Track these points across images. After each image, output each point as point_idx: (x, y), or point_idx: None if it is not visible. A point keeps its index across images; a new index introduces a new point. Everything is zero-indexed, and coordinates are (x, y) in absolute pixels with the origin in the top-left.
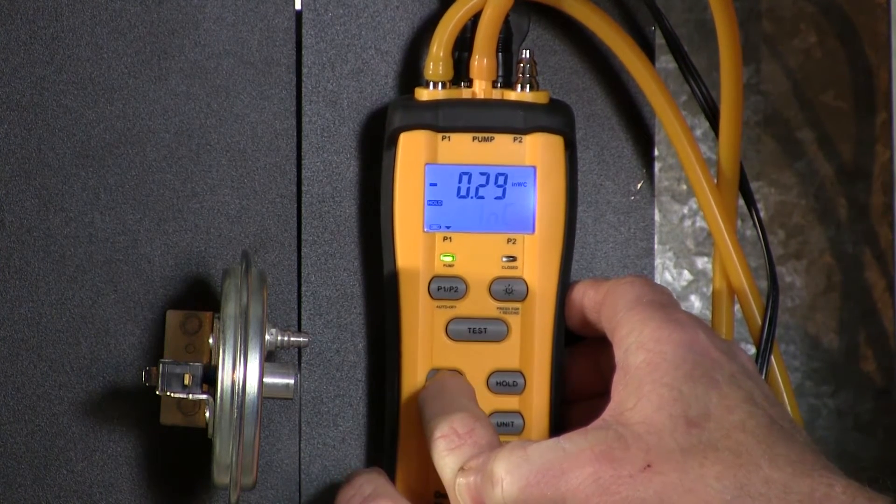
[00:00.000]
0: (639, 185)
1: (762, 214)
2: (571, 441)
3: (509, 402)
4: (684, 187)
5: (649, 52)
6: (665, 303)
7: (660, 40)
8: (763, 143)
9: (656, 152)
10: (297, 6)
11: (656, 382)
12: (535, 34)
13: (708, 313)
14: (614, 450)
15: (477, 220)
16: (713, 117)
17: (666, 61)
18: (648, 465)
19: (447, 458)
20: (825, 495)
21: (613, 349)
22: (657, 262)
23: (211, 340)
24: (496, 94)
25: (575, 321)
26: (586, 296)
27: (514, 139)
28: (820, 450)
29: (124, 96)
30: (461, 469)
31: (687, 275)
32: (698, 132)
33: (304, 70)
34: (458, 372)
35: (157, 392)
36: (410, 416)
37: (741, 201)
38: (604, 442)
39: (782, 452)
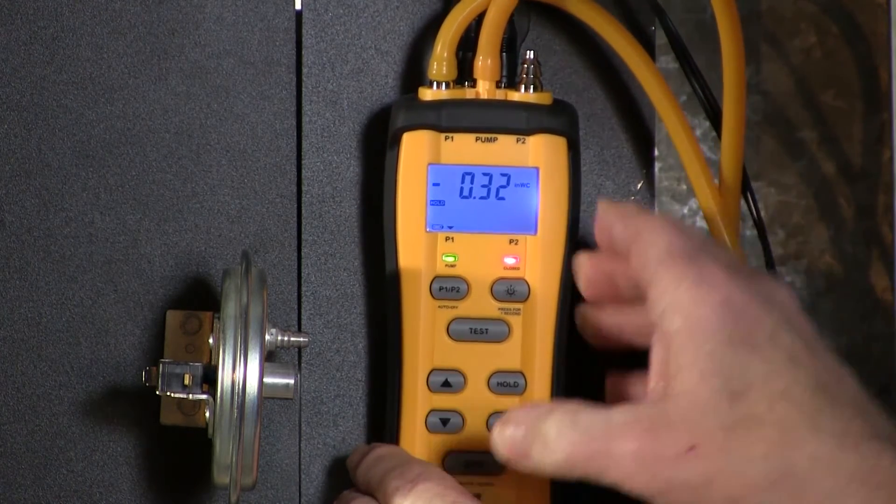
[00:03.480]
0: (639, 185)
1: (762, 214)
2: (620, 413)
3: (510, 402)
4: (684, 187)
5: (650, 52)
6: (697, 252)
7: (660, 41)
8: (763, 143)
9: (656, 152)
10: (297, 6)
11: (697, 351)
12: (536, 34)
13: None
14: (658, 427)
15: (479, 221)
16: (715, 117)
17: (666, 61)
18: (692, 447)
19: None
20: (872, 468)
21: (648, 304)
22: None
23: (211, 340)
24: (500, 94)
25: (602, 244)
26: (615, 228)
27: (518, 140)
28: (870, 398)
29: (124, 96)
30: (502, 420)
31: None
32: (698, 132)
33: (304, 70)
34: (459, 372)
35: (157, 392)
36: (411, 416)
37: (741, 201)
38: (648, 418)
39: (827, 423)
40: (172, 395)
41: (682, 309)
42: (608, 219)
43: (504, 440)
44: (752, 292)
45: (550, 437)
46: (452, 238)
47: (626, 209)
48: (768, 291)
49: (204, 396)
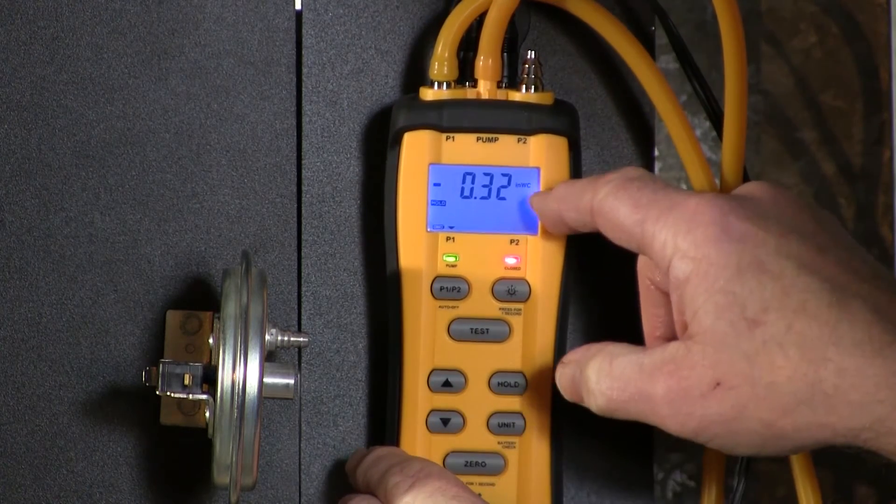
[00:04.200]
0: None
1: None
2: (649, 357)
3: (511, 402)
4: (684, 187)
5: (650, 52)
6: (661, 190)
7: (660, 40)
8: (763, 143)
9: (656, 152)
10: (297, 6)
11: (709, 290)
12: (536, 34)
13: None
14: (682, 368)
15: (480, 221)
16: (715, 117)
17: (666, 61)
18: (718, 383)
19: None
20: None
21: (655, 260)
22: None
23: (211, 340)
24: (501, 94)
25: (551, 225)
26: (566, 216)
27: (519, 140)
28: (887, 279)
29: (124, 96)
30: (562, 361)
31: None
32: (698, 132)
33: (304, 70)
34: (460, 372)
35: (157, 392)
36: (412, 417)
37: None
38: (672, 360)
39: (847, 333)
40: (172, 395)
41: (687, 252)
42: (552, 209)
43: (561, 380)
44: (746, 212)
45: (592, 382)
46: (453, 238)
47: (564, 191)
48: (758, 202)
49: (204, 396)
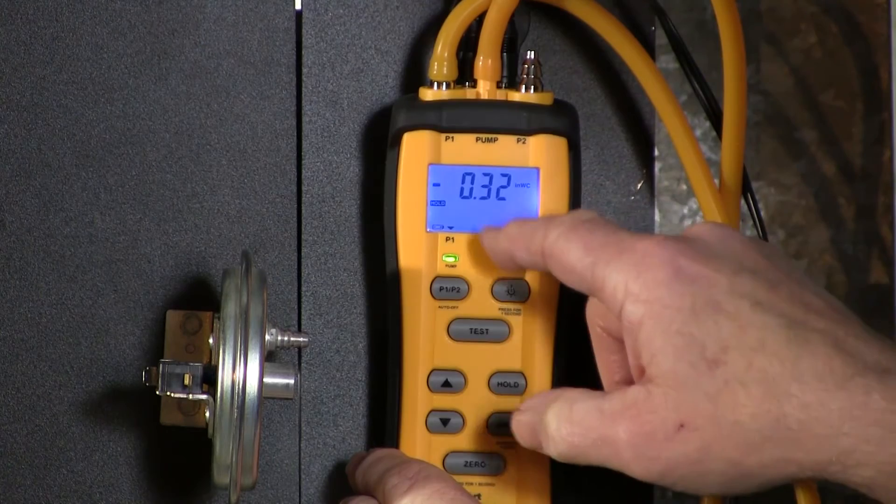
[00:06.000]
0: (639, 185)
1: (762, 214)
2: (609, 401)
3: (511, 402)
4: (684, 187)
5: (650, 52)
6: (613, 233)
7: (660, 40)
8: (763, 143)
9: (656, 152)
10: (297, 6)
11: (666, 332)
12: (536, 34)
13: None
14: (644, 412)
15: (480, 221)
16: (715, 117)
17: (666, 62)
18: (682, 425)
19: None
20: (863, 405)
21: (606, 304)
22: None
23: (211, 340)
24: (500, 94)
25: (501, 263)
26: (516, 255)
27: (518, 140)
28: (842, 312)
29: (124, 96)
30: (517, 409)
31: None
32: (698, 132)
33: (304, 70)
34: (460, 372)
35: (157, 392)
36: (411, 417)
37: (741, 201)
38: (634, 404)
39: (808, 368)
40: (172, 395)
41: (639, 296)
42: (503, 249)
43: (518, 429)
44: (695, 253)
45: (552, 428)
46: (453, 238)
47: (516, 231)
48: (706, 243)
49: (204, 396)
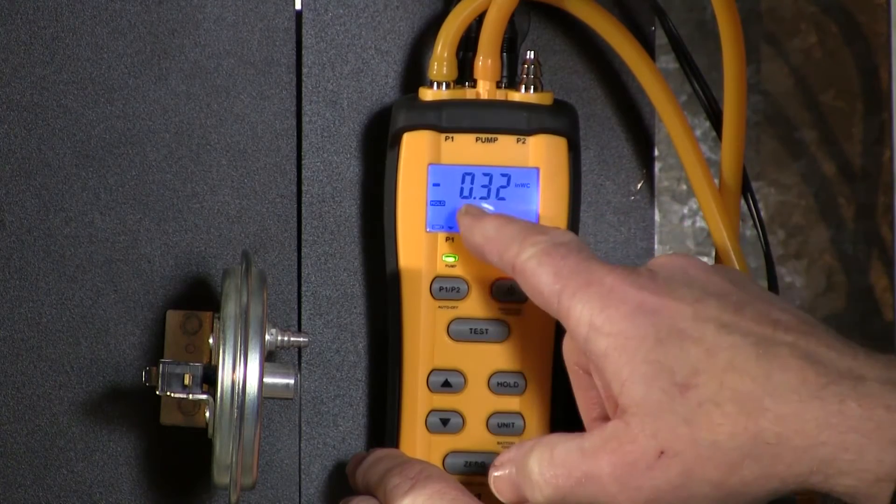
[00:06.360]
0: (639, 185)
1: (762, 214)
2: (588, 439)
3: (510, 402)
4: (684, 187)
5: (650, 52)
6: (584, 262)
7: (660, 41)
8: (763, 143)
9: (656, 152)
10: (297, 6)
11: (632, 361)
12: (536, 34)
13: None
14: (624, 444)
15: None
16: (715, 118)
17: (666, 61)
18: (662, 452)
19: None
20: (839, 413)
21: (570, 333)
22: None
23: (211, 340)
24: (500, 94)
25: (468, 249)
26: (487, 255)
27: (518, 140)
28: (811, 325)
29: (124, 96)
30: (494, 464)
31: None
32: (698, 132)
33: (304, 70)
34: (460, 372)
35: (157, 392)
36: (411, 417)
37: (741, 201)
38: (613, 437)
39: (780, 381)
40: (172, 395)
41: (602, 328)
42: (476, 242)
43: (497, 484)
44: (658, 286)
45: (535, 474)
46: (453, 238)
47: (494, 233)
48: (669, 274)
49: (204, 396)
